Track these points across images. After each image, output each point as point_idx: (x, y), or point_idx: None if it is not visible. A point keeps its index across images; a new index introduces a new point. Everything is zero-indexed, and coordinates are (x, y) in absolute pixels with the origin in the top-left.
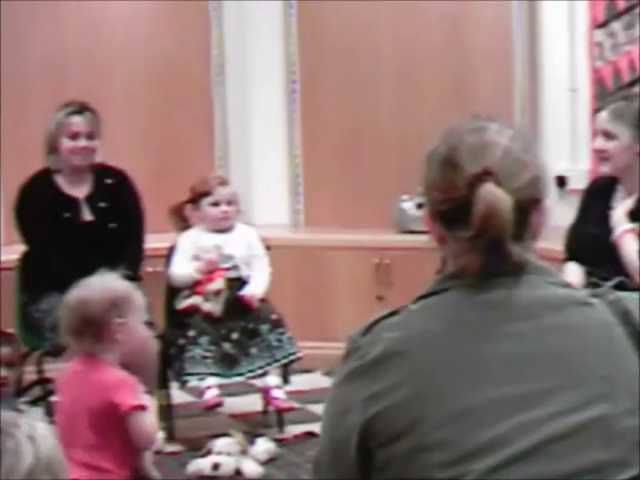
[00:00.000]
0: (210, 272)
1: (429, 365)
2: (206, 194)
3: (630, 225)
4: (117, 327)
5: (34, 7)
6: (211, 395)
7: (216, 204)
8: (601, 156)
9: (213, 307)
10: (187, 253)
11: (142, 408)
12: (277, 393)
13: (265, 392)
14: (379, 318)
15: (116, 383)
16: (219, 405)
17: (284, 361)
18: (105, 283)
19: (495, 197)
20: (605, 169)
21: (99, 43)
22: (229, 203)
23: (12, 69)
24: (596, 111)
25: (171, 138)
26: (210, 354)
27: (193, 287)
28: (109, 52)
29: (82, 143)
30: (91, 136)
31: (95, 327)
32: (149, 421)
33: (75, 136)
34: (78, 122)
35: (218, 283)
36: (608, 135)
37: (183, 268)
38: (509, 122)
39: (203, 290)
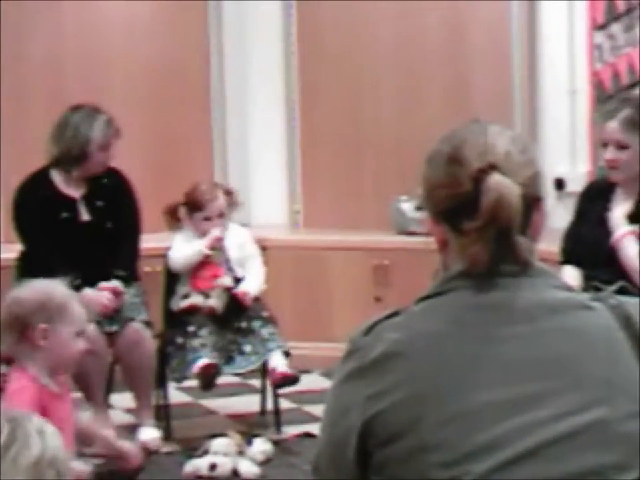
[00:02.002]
0: (211, 271)
1: (428, 366)
2: (198, 209)
3: (630, 228)
4: (40, 331)
5: (35, 6)
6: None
7: (207, 218)
8: (612, 165)
9: (216, 302)
10: (187, 244)
11: None
12: (283, 368)
13: (271, 373)
14: (380, 319)
15: (14, 390)
16: (213, 367)
17: (278, 350)
18: (42, 286)
19: (504, 186)
20: (617, 177)
21: (99, 43)
22: (220, 215)
23: (12, 67)
24: (608, 117)
25: (170, 137)
26: (210, 342)
27: (194, 283)
28: (108, 51)
29: (112, 152)
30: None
31: (17, 327)
32: None
33: (108, 148)
34: (112, 134)
35: (227, 280)
36: (620, 145)
37: (187, 248)
38: (506, 126)
39: (214, 284)
